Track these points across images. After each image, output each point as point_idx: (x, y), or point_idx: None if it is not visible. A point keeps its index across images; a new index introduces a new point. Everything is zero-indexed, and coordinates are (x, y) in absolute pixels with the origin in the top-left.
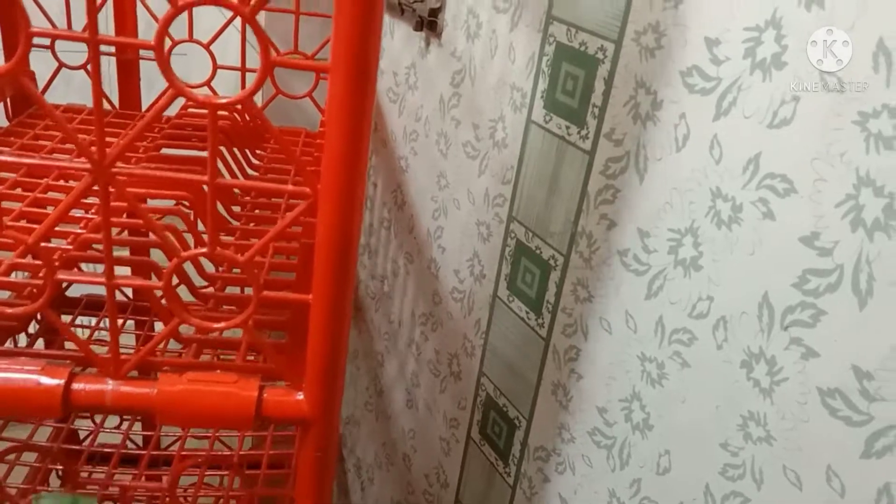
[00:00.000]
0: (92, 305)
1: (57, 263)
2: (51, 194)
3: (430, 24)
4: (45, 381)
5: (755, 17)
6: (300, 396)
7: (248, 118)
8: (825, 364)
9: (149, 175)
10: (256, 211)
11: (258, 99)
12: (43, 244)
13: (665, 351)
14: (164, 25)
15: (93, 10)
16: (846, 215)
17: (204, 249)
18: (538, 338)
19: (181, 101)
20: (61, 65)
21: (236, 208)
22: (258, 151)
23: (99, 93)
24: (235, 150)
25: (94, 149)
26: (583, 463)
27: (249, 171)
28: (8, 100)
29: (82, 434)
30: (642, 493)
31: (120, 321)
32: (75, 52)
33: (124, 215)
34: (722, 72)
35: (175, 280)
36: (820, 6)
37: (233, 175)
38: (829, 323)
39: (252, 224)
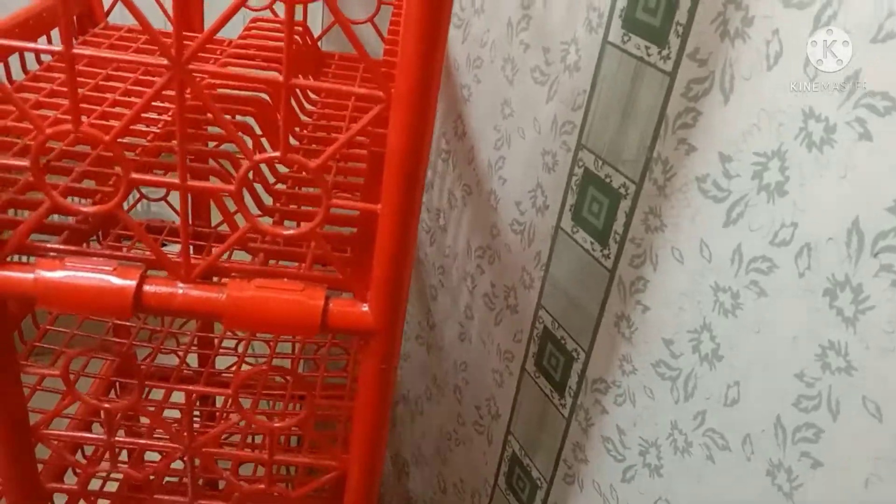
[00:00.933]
0: (152, 231)
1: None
2: (118, 109)
3: None
4: (118, 281)
5: None
6: (365, 308)
7: (309, 41)
8: None
9: (225, 74)
10: (318, 133)
11: (316, 27)
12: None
13: (741, 280)
14: None
15: None
16: None
17: (277, 154)
18: (603, 269)
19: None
20: None
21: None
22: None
23: None
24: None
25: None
26: (644, 395)
27: (307, 105)
28: (74, 18)
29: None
30: (707, 424)
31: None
32: None
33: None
34: None
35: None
36: None
37: (297, 100)
38: None
39: (313, 145)
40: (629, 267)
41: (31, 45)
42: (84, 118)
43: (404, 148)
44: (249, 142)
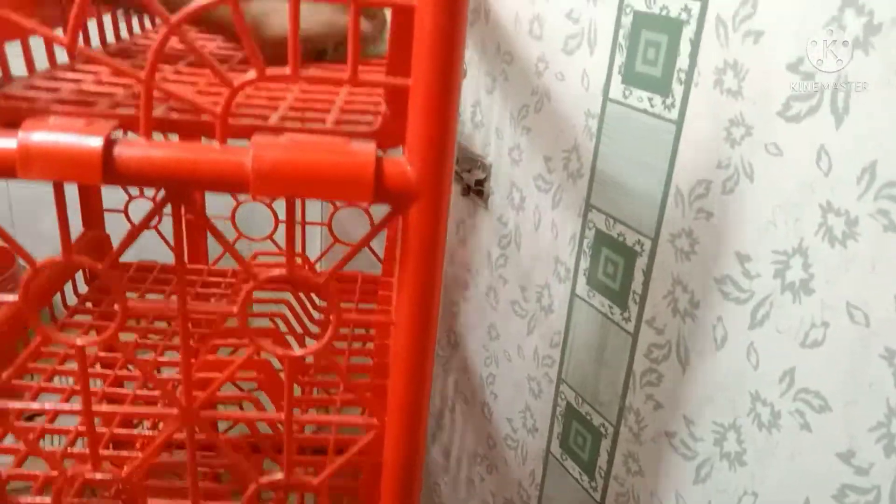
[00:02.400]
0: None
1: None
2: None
3: (476, 191)
4: None
5: (783, 242)
6: None
7: (306, 266)
8: None
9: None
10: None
11: (316, 249)
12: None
13: None
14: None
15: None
16: (879, 440)
17: (280, 476)
18: (593, 501)
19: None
20: (133, 227)
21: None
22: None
23: (187, 344)
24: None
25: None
26: None
27: (310, 326)
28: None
29: None
30: None
31: None
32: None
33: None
34: (754, 286)
35: None
36: (842, 244)
37: (299, 321)
38: None
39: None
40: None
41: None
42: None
43: (399, 463)
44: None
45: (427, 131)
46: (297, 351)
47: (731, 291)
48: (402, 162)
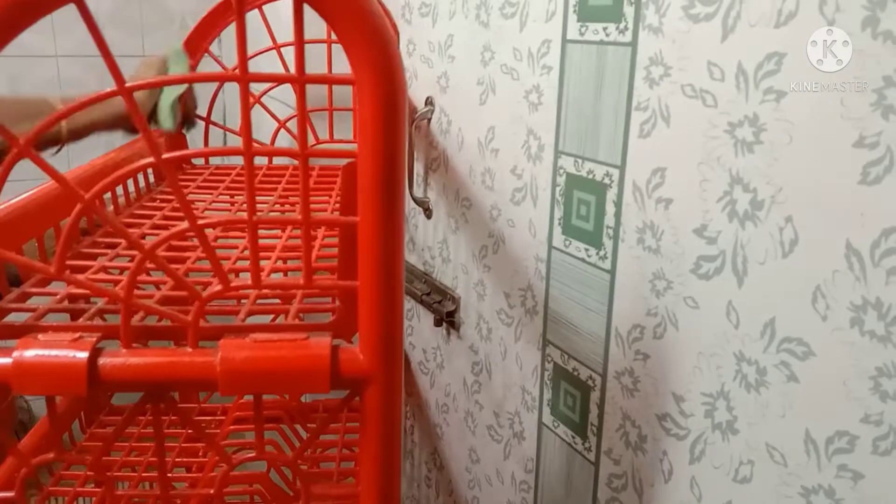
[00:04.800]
0: None
1: None
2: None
3: (448, 322)
4: None
5: (708, 386)
6: None
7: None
8: None
9: None
10: None
11: None
12: None
13: None
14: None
15: None
16: None
17: None
18: None
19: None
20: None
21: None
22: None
23: None
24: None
25: None
26: None
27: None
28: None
29: None
30: None
31: None
32: None
33: None
34: (690, 424)
35: None
36: (756, 391)
37: (291, 448)
38: None
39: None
40: None
41: None
42: None
43: None
44: None
45: (376, 324)
46: None
47: (671, 428)
48: (356, 351)
